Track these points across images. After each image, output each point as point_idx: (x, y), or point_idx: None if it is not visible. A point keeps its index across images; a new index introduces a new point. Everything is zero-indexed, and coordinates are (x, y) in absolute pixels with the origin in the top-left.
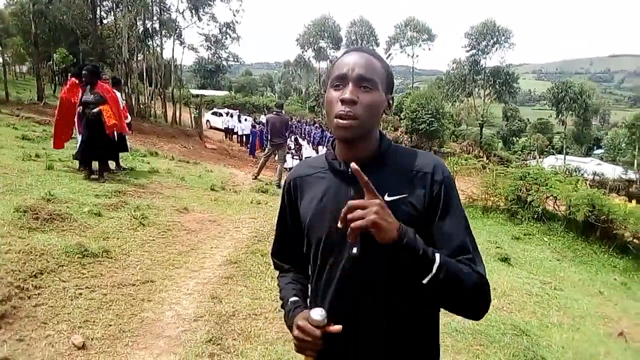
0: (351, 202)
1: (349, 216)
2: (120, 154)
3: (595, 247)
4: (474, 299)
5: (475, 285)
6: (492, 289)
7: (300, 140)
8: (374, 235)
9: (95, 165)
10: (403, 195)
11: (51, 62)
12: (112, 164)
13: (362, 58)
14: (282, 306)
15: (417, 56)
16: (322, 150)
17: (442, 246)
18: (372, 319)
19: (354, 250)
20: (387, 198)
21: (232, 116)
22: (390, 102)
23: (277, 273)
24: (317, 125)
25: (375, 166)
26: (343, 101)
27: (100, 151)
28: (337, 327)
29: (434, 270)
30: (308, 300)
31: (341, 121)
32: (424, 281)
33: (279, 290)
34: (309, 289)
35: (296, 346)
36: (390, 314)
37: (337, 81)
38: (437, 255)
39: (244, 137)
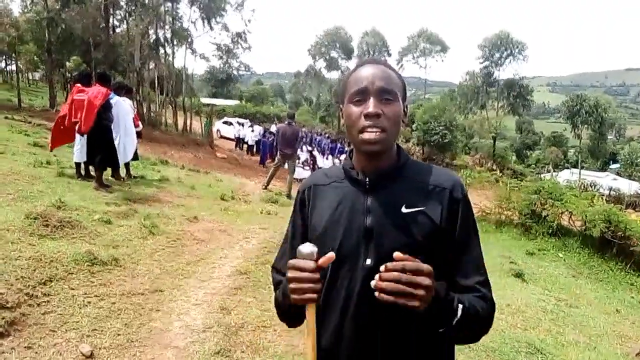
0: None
1: (397, 278)
2: (131, 162)
3: (612, 264)
4: (482, 333)
5: (488, 321)
6: (507, 305)
7: (314, 153)
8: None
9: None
10: (420, 208)
11: (64, 69)
12: (122, 171)
13: (380, 70)
14: (278, 293)
15: (429, 67)
16: (331, 161)
17: (461, 269)
18: (392, 330)
19: (368, 261)
20: (404, 210)
21: (242, 125)
22: (406, 110)
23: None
24: (327, 135)
25: (394, 178)
26: (368, 115)
27: (91, 157)
28: (330, 255)
29: (453, 322)
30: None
31: (367, 135)
32: (440, 329)
33: (275, 284)
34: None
35: (293, 292)
36: (410, 323)
37: (358, 95)
38: (460, 307)
39: (251, 146)
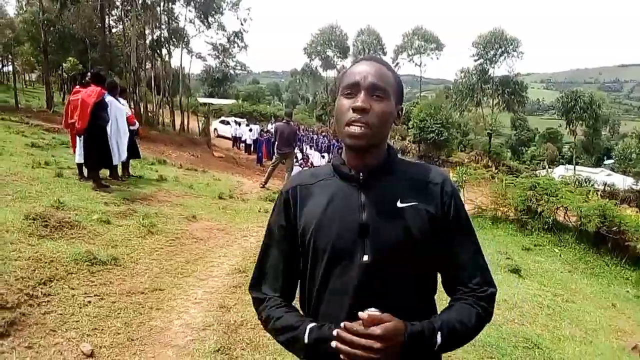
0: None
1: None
2: (131, 162)
3: (607, 258)
4: (475, 335)
5: (475, 330)
6: (503, 301)
7: (307, 150)
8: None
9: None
10: (415, 203)
11: (60, 70)
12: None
13: (375, 67)
14: (289, 338)
15: (424, 65)
16: (327, 159)
17: (459, 266)
18: None
19: (365, 257)
20: (399, 204)
21: (239, 124)
22: (400, 112)
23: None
24: (324, 134)
25: (385, 174)
26: (355, 109)
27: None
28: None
29: (436, 347)
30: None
31: (352, 129)
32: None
33: (270, 322)
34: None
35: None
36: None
37: (349, 89)
38: (438, 335)
39: (249, 145)
